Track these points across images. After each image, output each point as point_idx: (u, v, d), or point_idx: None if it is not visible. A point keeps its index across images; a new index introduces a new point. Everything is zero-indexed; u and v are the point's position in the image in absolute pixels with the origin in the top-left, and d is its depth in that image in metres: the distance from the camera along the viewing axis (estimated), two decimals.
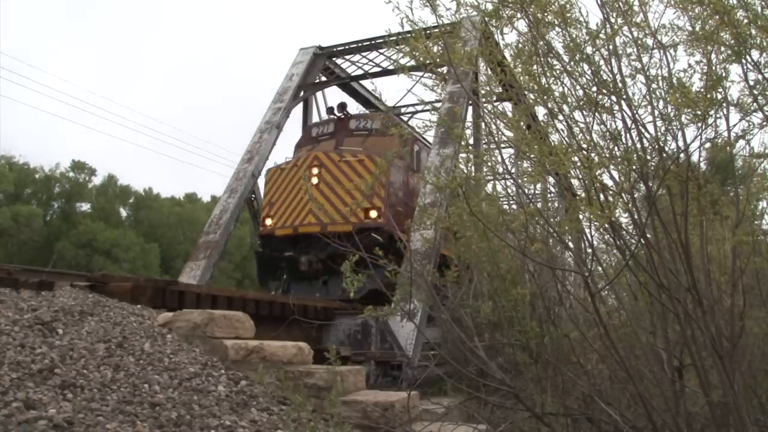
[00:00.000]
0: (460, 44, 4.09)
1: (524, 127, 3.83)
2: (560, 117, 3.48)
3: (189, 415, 3.31)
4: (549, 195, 7.09)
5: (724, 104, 3.15)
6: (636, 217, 3.23)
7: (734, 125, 3.23)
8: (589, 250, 3.62)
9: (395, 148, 11.37)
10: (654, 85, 3.21)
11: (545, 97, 3.44)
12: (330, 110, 12.75)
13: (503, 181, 5.22)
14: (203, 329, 4.56)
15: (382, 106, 16.07)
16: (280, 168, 11.89)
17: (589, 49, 3.31)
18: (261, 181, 13.00)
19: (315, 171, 10.97)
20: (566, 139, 3.48)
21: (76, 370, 3.39)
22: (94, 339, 3.90)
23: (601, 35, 3.28)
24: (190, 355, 4.18)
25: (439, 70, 4.51)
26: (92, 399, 3.14)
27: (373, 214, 10.26)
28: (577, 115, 3.48)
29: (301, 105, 15.68)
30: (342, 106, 12.47)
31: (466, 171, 4.37)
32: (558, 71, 3.47)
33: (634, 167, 3.12)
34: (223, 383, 3.92)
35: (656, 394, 3.39)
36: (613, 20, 3.29)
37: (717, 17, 2.93)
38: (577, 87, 3.40)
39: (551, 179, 4.88)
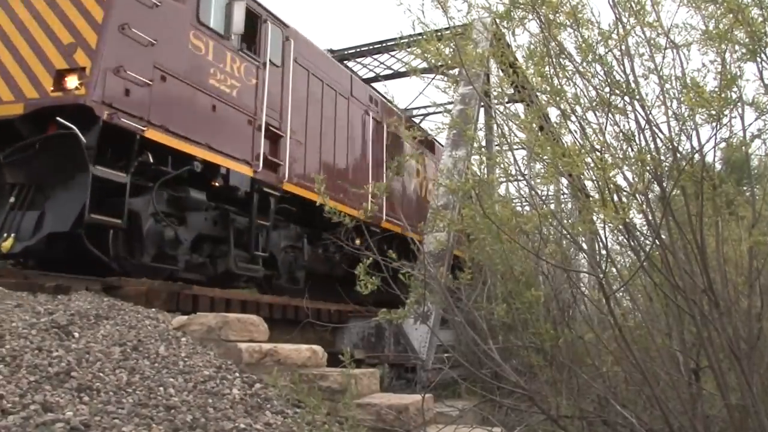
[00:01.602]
0: (471, 46, 4.09)
1: (537, 129, 3.82)
2: (573, 118, 3.46)
3: (204, 418, 3.33)
4: (562, 196, 7.06)
5: (739, 103, 3.13)
6: (650, 218, 3.20)
7: (749, 124, 3.21)
8: (604, 252, 3.60)
9: None
10: (667, 85, 3.20)
11: (558, 99, 3.42)
12: None
13: (516, 182, 5.21)
14: (218, 332, 4.58)
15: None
16: None
17: (601, 50, 3.30)
18: None
19: None
20: (579, 140, 3.46)
21: (92, 373, 3.42)
22: (109, 342, 3.94)
23: (614, 35, 3.26)
24: (204, 358, 4.20)
25: (450, 72, 4.51)
26: (108, 402, 3.16)
27: (72, 82, 5.79)
28: (590, 116, 3.47)
29: None
30: None
31: (479, 173, 4.37)
32: (570, 72, 3.46)
33: (648, 168, 3.10)
34: (238, 386, 3.93)
35: (673, 397, 3.36)
36: (625, 20, 3.28)
37: (731, 15, 2.91)
38: (590, 88, 3.39)
39: (564, 181, 4.86)
